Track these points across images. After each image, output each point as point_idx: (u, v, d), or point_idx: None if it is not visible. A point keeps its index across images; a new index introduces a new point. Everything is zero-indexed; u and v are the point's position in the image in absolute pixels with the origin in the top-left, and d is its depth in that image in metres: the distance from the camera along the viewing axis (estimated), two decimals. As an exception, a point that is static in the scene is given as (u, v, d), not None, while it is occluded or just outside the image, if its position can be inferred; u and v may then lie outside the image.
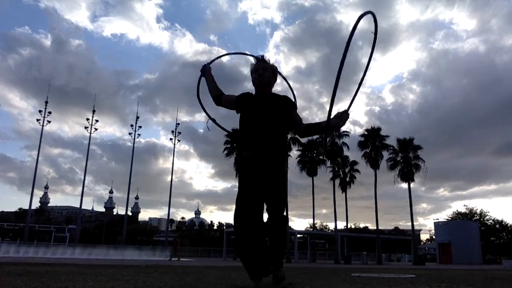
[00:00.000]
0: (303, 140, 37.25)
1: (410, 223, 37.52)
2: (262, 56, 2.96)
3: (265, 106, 2.78)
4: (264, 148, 2.68)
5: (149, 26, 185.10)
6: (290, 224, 52.09)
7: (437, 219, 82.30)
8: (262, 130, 2.70)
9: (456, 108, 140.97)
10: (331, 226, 53.80)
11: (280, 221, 2.69)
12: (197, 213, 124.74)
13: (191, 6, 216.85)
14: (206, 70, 3.19)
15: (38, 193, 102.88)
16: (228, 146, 39.81)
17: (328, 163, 37.71)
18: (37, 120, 38.31)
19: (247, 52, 3.39)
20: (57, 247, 33.78)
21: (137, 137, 42.84)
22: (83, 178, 40.50)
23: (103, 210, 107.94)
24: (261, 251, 2.56)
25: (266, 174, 2.65)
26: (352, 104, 2.79)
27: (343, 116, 2.68)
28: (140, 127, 43.75)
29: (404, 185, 38.17)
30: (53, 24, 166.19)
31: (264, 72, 2.87)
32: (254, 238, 2.54)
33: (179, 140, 46.35)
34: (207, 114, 3.26)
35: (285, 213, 2.76)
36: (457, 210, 65.09)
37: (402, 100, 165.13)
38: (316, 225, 69.99)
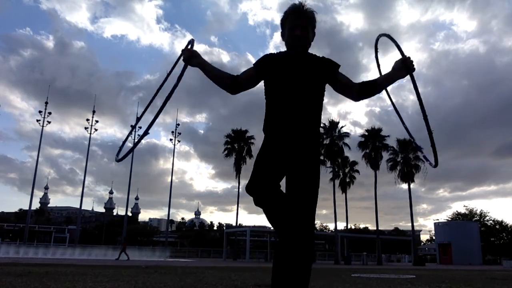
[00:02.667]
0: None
1: (410, 224, 37.52)
2: (301, 5, 2.13)
3: (300, 71, 2.10)
4: (296, 128, 2.03)
5: (149, 27, 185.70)
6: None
7: (437, 219, 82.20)
8: (295, 104, 2.04)
9: (456, 109, 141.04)
10: (331, 226, 53.85)
11: (308, 231, 1.96)
12: (197, 213, 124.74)
13: (191, 7, 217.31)
14: (192, 56, 2.14)
15: (38, 194, 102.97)
16: (228, 147, 39.83)
17: (328, 164, 37.69)
18: (37, 120, 38.34)
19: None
20: (57, 248, 33.79)
21: (137, 138, 42.83)
22: (83, 178, 40.54)
23: (103, 210, 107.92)
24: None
25: (295, 164, 2.03)
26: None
27: (406, 61, 2.20)
28: (140, 127, 43.72)
29: (404, 186, 38.22)
30: (54, 26, 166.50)
31: (303, 32, 2.11)
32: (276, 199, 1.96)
33: (179, 141, 46.36)
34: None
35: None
36: (457, 211, 65.22)
37: (403, 101, 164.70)
38: (316, 225, 69.94)
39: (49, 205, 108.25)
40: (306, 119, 2.06)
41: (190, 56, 2.14)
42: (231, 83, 2.18)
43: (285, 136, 2.02)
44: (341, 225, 46.41)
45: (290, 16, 2.14)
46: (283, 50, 2.21)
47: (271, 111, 2.12)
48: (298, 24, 2.11)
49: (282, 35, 2.21)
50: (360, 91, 2.20)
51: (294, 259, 1.90)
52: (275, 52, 2.23)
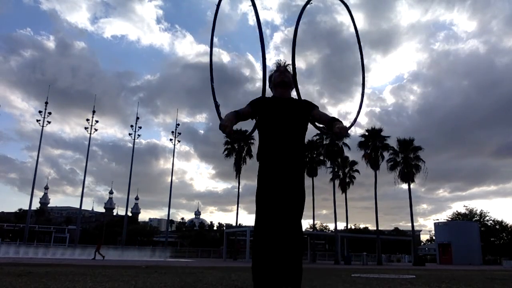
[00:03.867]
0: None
1: (410, 224, 37.48)
2: (283, 62, 2.89)
3: (286, 112, 2.66)
4: (284, 158, 2.57)
5: (149, 27, 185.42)
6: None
7: (437, 219, 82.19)
8: (283, 138, 2.59)
9: (456, 109, 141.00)
10: (331, 226, 53.86)
11: (297, 233, 2.53)
12: (197, 213, 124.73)
13: (191, 7, 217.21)
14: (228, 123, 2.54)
15: (38, 194, 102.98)
16: (228, 147, 39.85)
17: (328, 164, 37.71)
18: (37, 120, 38.39)
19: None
20: (57, 248, 33.79)
21: (138, 138, 42.89)
22: (83, 178, 40.57)
23: (103, 210, 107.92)
24: (277, 264, 2.47)
25: (285, 183, 2.54)
26: (355, 122, 2.94)
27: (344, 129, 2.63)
28: (140, 127, 43.80)
29: (404, 186, 38.17)
30: (54, 26, 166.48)
31: (286, 72, 2.82)
32: (275, 249, 2.46)
33: (179, 141, 46.45)
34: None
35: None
36: (457, 211, 65.17)
37: (403, 101, 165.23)
38: (316, 225, 69.95)
39: (49, 205, 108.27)
40: (293, 150, 2.60)
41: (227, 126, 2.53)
42: (236, 115, 2.65)
43: (277, 164, 2.55)
44: (341, 225, 46.48)
45: (275, 73, 2.83)
46: (272, 96, 2.82)
47: (264, 144, 2.64)
48: (281, 68, 2.82)
49: (270, 86, 2.85)
50: (328, 126, 2.71)
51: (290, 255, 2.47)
52: (268, 97, 2.77)
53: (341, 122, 2.61)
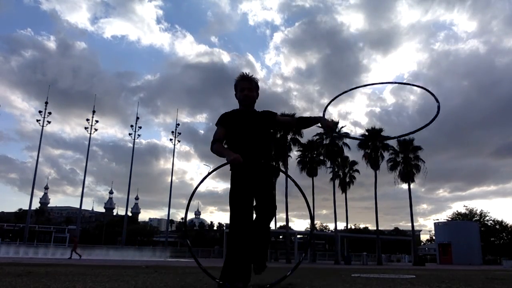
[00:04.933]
0: (303, 140, 37.28)
1: (410, 224, 37.54)
2: (247, 74, 3.05)
3: (250, 124, 2.95)
4: (250, 156, 2.84)
5: (149, 27, 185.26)
6: (290, 224, 52.05)
7: (437, 219, 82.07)
8: (249, 145, 2.88)
9: (456, 110, 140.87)
10: (331, 226, 53.83)
11: (268, 216, 2.87)
12: (197, 213, 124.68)
13: (191, 7, 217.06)
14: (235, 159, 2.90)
15: (39, 194, 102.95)
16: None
17: (328, 164, 37.70)
18: (37, 120, 38.41)
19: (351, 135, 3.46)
20: (57, 248, 33.77)
21: (138, 138, 42.94)
22: (83, 178, 40.57)
23: (103, 210, 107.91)
24: (247, 254, 2.76)
25: (254, 175, 2.84)
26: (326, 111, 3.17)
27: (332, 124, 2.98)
28: (140, 127, 43.81)
29: (404, 186, 38.23)
30: (55, 26, 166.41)
31: (250, 92, 3.01)
32: (246, 239, 2.75)
33: (179, 141, 46.50)
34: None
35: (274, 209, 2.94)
36: (457, 211, 65.19)
37: (403, 101, 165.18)
38: (316, 225, 70.02)
39: (49, 205, 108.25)
40: (258, 154, 2.86)
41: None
42: (221, 145, 2.96)
43: (251, 164, 2.81)
44: (341, 225, 46.45)
45: (240, 82, 3.02)
46: (236, 108, 3.07)
47: (240, 145, 2.87)
48: (245, 86, 3.00)
49: (235, 95, 3.07)
50: (298, 123, 3.17)
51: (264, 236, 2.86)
52: (230, 110, 3.06)
53: (307, 117, 3.07)
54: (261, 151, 2.91)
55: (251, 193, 2.82)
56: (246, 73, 3.05)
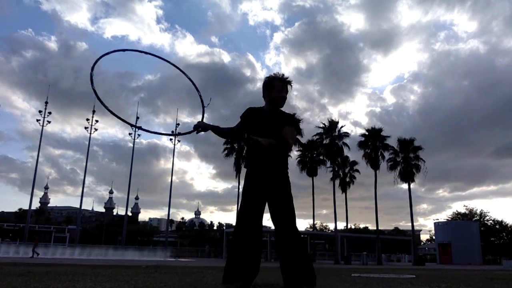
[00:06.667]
0: (303, 140, 37.30)
1: (410, 224, 37.52)
2: (287, 77, 2.96)
3: (271, 122, 2.88)
4: (266, 163, 2.81)
5: (149, 27, 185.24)
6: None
7: (437, 219, 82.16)
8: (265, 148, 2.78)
9: (457, 110, 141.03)
10: (331, 226, 53.82)
11: (294, 233, 2.75)
12: (197, 213, 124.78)
13: (191, 7, 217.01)
14: (203, 126, 3.09)
15: (39, 194, 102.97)
16: (228, 146, 39.83)
17: (328, 164, 37.68)
18: (37, 120, 38.38)
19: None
20: (57, 248, 33.75)
21: (138, 138, 42.87)
22: (83, 178, 40.56)
23: (103, 210, 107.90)
24: (250, 256, 2.72)
25: (268, 187, 2.79)
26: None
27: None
28: (140, 127, 43.75)
29: (404, 186, 38.18)
30: (55, 26, 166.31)
31: (286, 95, 2.96)
32: (249, 242, 2.73)
33: (179, 141, 46.46)
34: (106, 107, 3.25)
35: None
36: (457, 211, 65.15)
37: (403, 101, 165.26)
38: (316, 225, 69.87)
39: (49, 205, 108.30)
40: (276, 157, 2.81)
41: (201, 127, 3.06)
42: (231, 132, 3.06)
43: (261, 170, 2.81)
44: (341, 225, 46.42)
45: (279, 82, 2.91)
46: (262, 105, 2.99)
47: (251, 152, 2.87)
48: (285, 89, 2.93)
49: (266, 93, 2.94)
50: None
51: (297, 252, 2.70)
52: (256, 107, 3.02)
53: (281, 143, 2.79)
54: (275, 155, 2.83)
55: (263, 197, 2.80)
56: (284, 75, 2.95)
